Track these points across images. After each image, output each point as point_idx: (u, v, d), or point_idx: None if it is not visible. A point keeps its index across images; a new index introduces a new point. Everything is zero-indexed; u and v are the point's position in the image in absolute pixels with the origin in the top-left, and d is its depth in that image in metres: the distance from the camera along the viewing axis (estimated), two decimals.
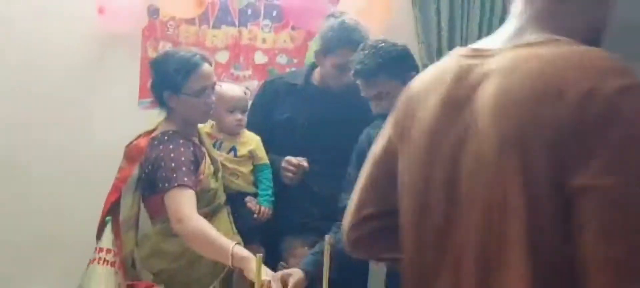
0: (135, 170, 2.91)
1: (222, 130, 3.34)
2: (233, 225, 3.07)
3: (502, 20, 3.46)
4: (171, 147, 2.80)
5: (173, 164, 2.76)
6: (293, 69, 3.82)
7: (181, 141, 2.82)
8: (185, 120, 2.90)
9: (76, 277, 2.86)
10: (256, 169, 3.37)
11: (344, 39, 3.07)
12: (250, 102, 3.46)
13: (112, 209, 2.92)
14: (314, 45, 3.46)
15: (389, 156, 1.60)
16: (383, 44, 2.88)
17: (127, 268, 2.91)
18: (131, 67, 3.82)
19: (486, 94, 1.34)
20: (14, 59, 3.69)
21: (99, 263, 2.79)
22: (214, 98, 2.90)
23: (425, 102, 1.48)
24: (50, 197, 3.72)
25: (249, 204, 3.25)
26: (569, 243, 1.20)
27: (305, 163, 3.23)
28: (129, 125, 3.19)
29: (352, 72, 2.88)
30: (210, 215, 2.90)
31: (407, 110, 1.55)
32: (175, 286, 2.88)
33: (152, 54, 3.70)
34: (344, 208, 2.60)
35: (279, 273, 2.66)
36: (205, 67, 2.88)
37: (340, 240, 2.47)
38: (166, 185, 2.74)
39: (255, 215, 3.26)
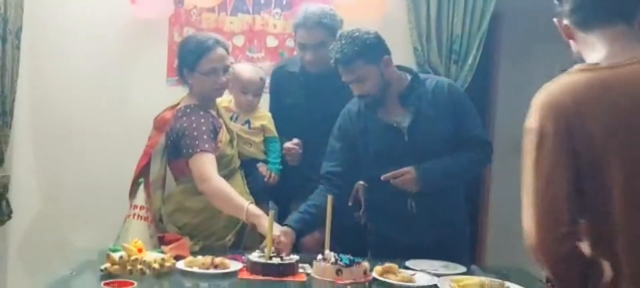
0: (162, 139, 3.15)
1: (236, 105, 3.60)
2: (246, 187, 3.30)
3: (482, 14, 3.96)
4: (193, 118, 3.00)
5: (195, 133, 2.96)
6: (295, 55, 3.95)
7: (201, 113, 3.02)
8: (201, 95, 3.11)
9: (117, 225, 3.14)
10: (266, 141, 3.61)
11: (300, 21, 3.33)
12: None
13: (143, 172, 3.18)
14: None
15: (577, 170, 1.73)
16: (357, 33, 2.98)
17: (156, 222, 3.13)
18: (160, 49, 4.15)
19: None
20: (68, 42, 4.18)
21: (134, 218, 3.04)
22: (224, 78, 3.11)
23: (600, 113, 1.72)
24: (97, 155, 4.15)
25: (260, 169, 3.50)
26: None
27: (298, 148, 3.41)
28: (158, 99, 3.47)
29: (332, 60, 3.00)
30: (226, 177, 3.10)
31: (583, 123, 1.73)
32: (197, 237, 3.10)
33: (177, 39, 4.01)
34: (325, 174, 3.16)
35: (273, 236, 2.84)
36: (218, 50, 3.09)
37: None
38: (190, 150, 2.96)
39: (265, 179, 3.49)
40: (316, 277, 2.74)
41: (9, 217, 4.02)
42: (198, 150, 2.93)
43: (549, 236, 1.76)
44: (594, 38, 1.91)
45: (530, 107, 1.85)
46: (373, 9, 3.99)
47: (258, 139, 3.58)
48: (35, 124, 4.20)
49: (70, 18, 4.14)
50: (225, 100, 3.56)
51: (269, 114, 3.60)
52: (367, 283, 2.69)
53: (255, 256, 2.79)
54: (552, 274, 1.81)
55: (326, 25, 3.31)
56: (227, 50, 3.14)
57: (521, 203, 1.86)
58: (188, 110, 3.03)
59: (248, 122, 3.58)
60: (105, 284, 2.36)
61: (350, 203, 3.27)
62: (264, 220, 2.79)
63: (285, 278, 2.71)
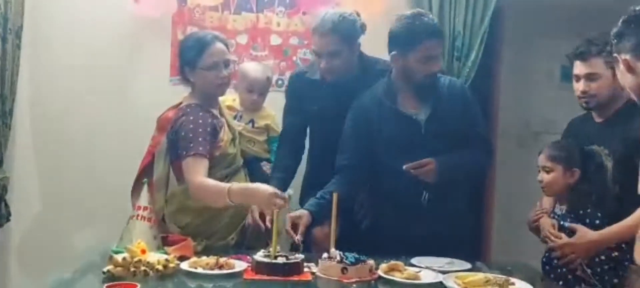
0: (164, 138, 3.14)
1: (241, 104, 3.63)
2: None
3: (484, 10, 3.93)
4: (191, 118, 2.98)
5: (191, 134, 2.94)
6: (307, 54, 4.07)
7: (201, 113, 2.99)
8: (204, 93, 3.09)
9: (119, 227, 3.07)
10: (271, 140, 3.64)
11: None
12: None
13: (145, 172, 3.15)
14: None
15: None
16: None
17: (160, 223, 3.11)
18: (163, 48, 4.12)
19: None
20: (70, 41, 4.13)
21: (137, 219, 2.97)
22: (226, 73, 3.08)
23: None
24: (99, 155, 4.12)
25: (264, 168, 3.52)
26: None
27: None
28: (161, 98, 3.41)
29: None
30: (229, 176, 3.10)
31: None
32: (199, 237, 3.08)
33: (181, 38, 3.93)
34: (340, 167, 3.14)
35: (289, 215, 2.93)
36: (217, 45, 3.07)
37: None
38: (183, 152, 2.95)
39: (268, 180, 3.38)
40: (322, 275, 2.72)
41: (8, 220, 3.98)
42: (191, 153, 2.92)
43: None
44: None
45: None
46: (374, 5, 3.97)
47: (262, 138, 3.61)
48: (35, 125, 4.17)
49: (71, 17, 4.12)
50: (229, 98, 3.58)
51: (274, 113, 3.61)
52: (372, 282, 2.68)
53: (260, 255, 2.76)
54: None
55: (342, 32, 3.16)
56: (226, 45, 3.14)
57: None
58: (188, 110, 3.02)
59: (252, 121, 3.61)
60: (107, 287, 2.35)
61: (357, 207, 3.32)
62: (252, 190, 2.83)
63: (290, 278, 2.69)
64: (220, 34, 3.20)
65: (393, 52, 3.08)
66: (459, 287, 2.57)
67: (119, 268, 2.56)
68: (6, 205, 3.95)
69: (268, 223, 3.11)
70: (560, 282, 2.97)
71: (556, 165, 3.06)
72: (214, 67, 3.03)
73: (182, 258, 2.79)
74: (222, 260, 2.74)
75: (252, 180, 3.24)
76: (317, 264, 2.79)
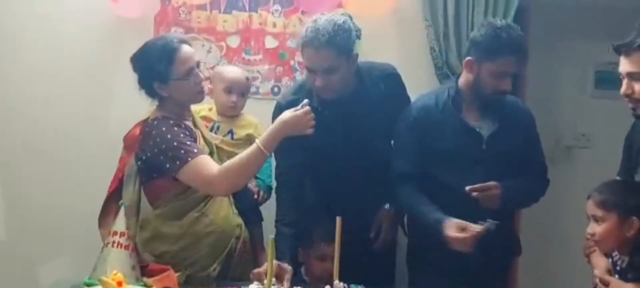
0: (133, 159, 2.90)
1: (219, 111, 3.33)
2: (233, 206, 3.05)
3: (506, 9, 3.56)
4: (164, 129, 2.77)
5: (175, 143, 2.73)
6: (297, 80, 3.68)
7: (172, 122, 2.79)
8: (179, 104, 2.87)
9: (92, 256, 2.89)
10: None
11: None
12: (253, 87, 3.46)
13: (113, 197, 2.96)
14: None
15: None
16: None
17: (138, 251, 2.93)
18: None
19: None
20: (33, 44, 3.81)
21: (113, 246, 2.80)
22: (202, 75, 2.91)
23: None
24: (71, 175, 3.80)
25: (249, 185, 3.22)
26: None
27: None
28: (142, 109, 3.10)
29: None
30: (208, 197, 2.91)
31: None
32: (177, 267, 2.85)
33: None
34: (401, 174, 2.96)
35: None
36: (185, 48, 2.84)
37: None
38: (177, 163, 2.72)
39: (254, 197, 3.28)
40: None
41: None
42: (189, 158, 2.69)
43: None
44: None
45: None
46: (383, 4, 3.73)
47: (242, 151, 3.11)
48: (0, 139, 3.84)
49: (41, 17, 3.82)
50: (203, 108, 3.33)
51: (257, 122, 3.35)
52: None
53: None
54: None
55: (339, 44, 2.83)
56: (188, 43, 2.91)
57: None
58: (155, 123, 2.78)
59: (231, 132, 3.35)
60: None
61: (372, 235, 3.18)
62: (279, 126, 2.70)
63: None
64: (181, 36, 3.10)
65: (469, 58, 2.90)
66: None
67: None
68: None
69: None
70: None
71: (609, 214, 2.48)
72: (189, 74, 2.80)
73: None
74: None
75: (236, 201, 3.07)
76: None
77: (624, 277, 2.49)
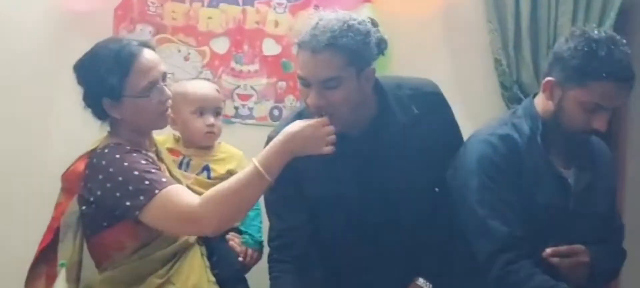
0: (74, 204, 2.52)
1: (189, 142, 2.96)
2: (209, 271, 2.69)
3: (604, 10, 3.32)
4: (118, 156, 2.42)
5: (136, 172, 2.39)
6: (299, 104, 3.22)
7: (128, 148, 2.46)
8: (135, 130, 2.54)
9: None
10: None
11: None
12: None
13: (45, 256, 2.61)
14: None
15: None
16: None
17: None
18: None
19: None
20: None
21: None
22: (169, 92, 2.53)
23: None
24: (8, 214, 3.42)
25: (231, 242, 2.91)
26: None
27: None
28: (93, 135, 2.67)
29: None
30: (178, 255, 2.56)
31: None
32: None
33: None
34: (504, 235, 2.53)
35: None
36: (146, 54, 2.48)
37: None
38: (140, 198, 2.36)
39: (240, 259, 2.92)
40: None
41: None
42: (156, 190, 2.35)
43: None
44: None
45: None
46: (429, 1, 3.41)
47: None
48: None
49: None
50: (169, 138, 3.00)
51: (240, 153, 3.04)
52: None
53: None
54: None
55: (345, 49, 2.40)
56: (151, 46, 2.57)
57: None
58: (107, 151, 2.44)
59: (207, 168, 2.96)
60: None
61: None
62: (286, 138, 2.37)
63: None
64: (143, 38, 2.81)
65: (550, 78, 2.59)
66: None
67: None
68: None
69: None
70: None
71: None
72: (150, 89, 2.47)
73: None
74: None
75: (214, 260, 2.74)
76: None
77: None
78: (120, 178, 2.36)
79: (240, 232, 2.96)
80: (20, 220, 3.34)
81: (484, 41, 3.42)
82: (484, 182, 2.56)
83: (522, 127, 2.61)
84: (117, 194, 2.36)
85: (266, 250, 2.84)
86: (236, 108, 3.34)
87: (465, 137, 2.70)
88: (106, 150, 2.42)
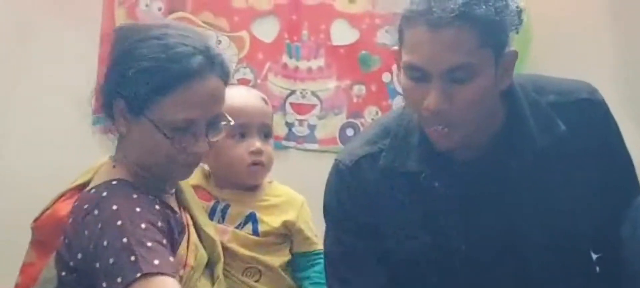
0: (49, 267, 1.88)
1: (225, 179, 2.19)
2: None
3: None
4: (115, 208, 1.77)
5: (124, 240, 1.73)
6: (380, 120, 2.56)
7: (135, 196, 1.79)
8: (144, 162, 1.86)
9: None
10: (299, 262, 2.25)
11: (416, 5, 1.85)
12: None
13: None
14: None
15: None
16: None
17: None
18: (80, 47, 2.84)
19: None
20: None
21: None
22: (207, 145, 1.84)
23: None
24: None
25: None
26: None
27: None
28: (73, 161, 2.13)
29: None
30: None
31: None
32: None
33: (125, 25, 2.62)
34: None
35: None
36: (210, 82, 1.79)
37: None
38: (118, 281, 1.71)
39: None
40: None
41: None
42: (138, 273, 1.65)
43: None
44: None
45: None
46: None
47: (277, 258, 2.18)
48: None
49: None
50: (195, 175, 2.10)
51: (301, 199, 2.23)
52: None
53: None
54: None
55: (483, 23, 1.72)
56: (227, 76, 1.80)
57: None
58: (105, 195, 1.76)
59: (252, 218, 2.16)
60: None
61: None
62: None
63: None
64: (212, 42, 1.88)
65: None
66: None
67: None
68: None
69: None
70: None
71: None
72: (179, 130, 1.77)
73: None
74: None
75: None
76: None
77: None
78: (105, 243, 1.74)
79: None
80: None
81: None
82: None
83: None
84: (97, 265, 1.73)
85: None
86: (289, 125, 2.80)
87: (637, 165, 2.06)
88: (105, 194, 1.80)
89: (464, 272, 1.95)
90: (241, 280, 2.13)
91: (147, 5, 2.79)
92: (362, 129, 2.83)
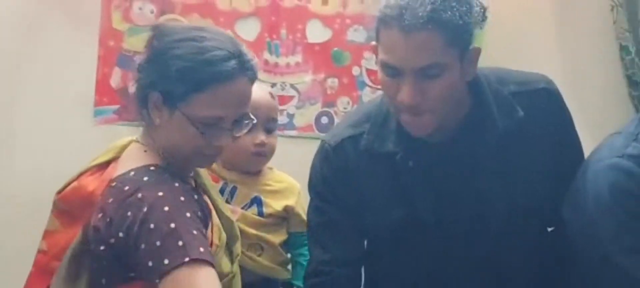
0: (77, 238, 1.93)
1: (231, 164, 2.40)
2: None
3: None
4: (161, 194, 1.88)
5: (173, 224, 1.86)
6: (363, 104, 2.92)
7: (177, 184, 1.93)
8: (170, 151, 2.01)
9: None
10: (294, 241, 2.49)
11: (390, 11, 2.01)
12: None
13: None
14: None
15: None
16: None
17: None
18: (81, 46, 2.98)
19: None
20: None
21: None
22: (229, 140, 2.01)
23: None
24: None
25: None
26: None
27: None
28: (75, 149, 2.42)
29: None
30: None
31: None
32: None
33: (119, 25, 2.94)
34: None
35: None
36: (238, 84, 1.95)
37: None
38: (165, 262, 1.81)
39: None
40: None
41: None
42: (185, 259, 1.75)
43: None
44: None
45: None
46: None
47: (277, 237, 2.41)
48: None
49: None
50: None
51: (298, 186, 2.48)
52: None
53: None
54: None
55: (449, 26, 1.91)
56: (255, 78, 1.98)
57: None
58: (145, 178, 1.87)
59: (257, 201, 2.39)
60: None
61: None
62: None
63: None
64: (253, 57, 2.02)
65: None
66: None
67: None
68: None
69: None
70: None
71: None
72: (209, 125, 1.92)
73: None
74: None
75: None
76: None
77: None
78: (151, 226, 1.85)
79: (291, 286, 2.48)
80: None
81: (604, 21, 3.02)
82: (624, 223, 2.02)
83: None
84: (142, 246, 1.84)
85: None
86: None
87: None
88: (146, 179, 1.91)
89: (433, 242, 2.11)
90: (246, 254, 2.33)
91: (140, 8, 2.92)
92: (335, 117, 3.01)
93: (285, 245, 2.48)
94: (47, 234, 1.98)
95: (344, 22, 3.03)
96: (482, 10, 1.97)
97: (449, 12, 1.87)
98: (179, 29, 2.06)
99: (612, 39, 3.02)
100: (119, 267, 1.88)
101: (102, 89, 2.97)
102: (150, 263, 1.81)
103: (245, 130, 2.04)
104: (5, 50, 3.07)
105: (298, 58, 3.05)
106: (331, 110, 3.05)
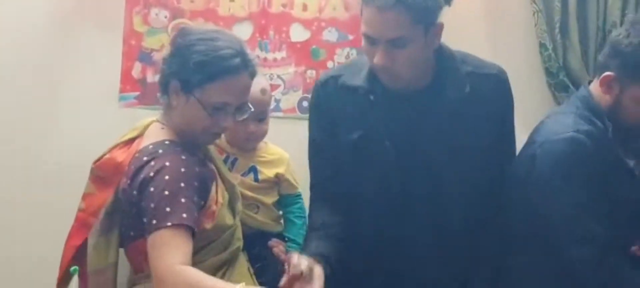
0: (109, 199, 2.31)
1: (230, 139, 2.80)
2: (255, 278, 2.56)
3: None
4: (167, 164, 2.23)
5: (167, 192, 2.20)
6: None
7: (183, 157, 2.27)
8: (183, 129, 2.36)
9: None
10: (285, 201, 2.86)
11: None
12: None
13: (77, 256, 2.39)
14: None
15: None
16: None
17: None
18: (108, 45, 3.35)
19: None
20: None
21: None
22: (228, 122, 2.36)
23: None
24: (9, 219, 3.37)
25: (275, 249, 2.74)
26: None
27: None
28: (104, 130, 2.65)
29: None
30: (227, 263, 2.41)
31: None
32: None
33: (139, 28, 3.25)
34: (605, 239, 2.44)
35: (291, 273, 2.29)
36: (242, 78, 2.30)
37: None
38: (153, 222, 2.18)
39: (285, 266, 2.63)
40: None
41: None
42: (167, 223, 2.13)
43: None
44: None
45: None
46: None
47: (270, 199, 2.82)
48: None
49: None
50: None
51: (287, 156, 2.89)
52: None
53: None
54: None
55: (415, 6, 2.31)
56: (254, 73, 2.39)
57: None
58: (159, 151, 2.26)
59: (253, 170, 2.78)
60: None
61: None
62: None
63: None
64: (253, 56, 2.44)
65: (608, 73, 2.46)
66: None
67: None
68: None
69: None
70: None
71: None
72: (219, 110, 2.32)
73: None
74: None
75: (258, 267, 2.59)
76: None
77: None
78: (151, 189, 2.23)
79: (284, 239, 2.83)
80: (21, 217, 3.32)
81: (527, 24, 3.32)
82: (578, 184, 2.42)
83: (594, 121, 2.48)
84: (142, 203, 2.22)
85: None
86: None
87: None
88: (160, 151, 2.27)
89: (392, 174, 2.46)
90: (245, 212, 2.67)
91: (156, 14, 3.24)
92: None
93: (277, 204, 2.87)
94: (85, 196, 2.37)
95: (320, 25, 3.35)
96: None
97: None
98: (197, 30, 2.43)
99: (534, 37, 3.30)
100: (135, 221, 2.26)
101: (126, 79, 3.27)
102: (144, 220, 2.19)
103: (245, 116, 2.40)
104: (49, 51, 3.34)
105: (283, 54, 3.37)
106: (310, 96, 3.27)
